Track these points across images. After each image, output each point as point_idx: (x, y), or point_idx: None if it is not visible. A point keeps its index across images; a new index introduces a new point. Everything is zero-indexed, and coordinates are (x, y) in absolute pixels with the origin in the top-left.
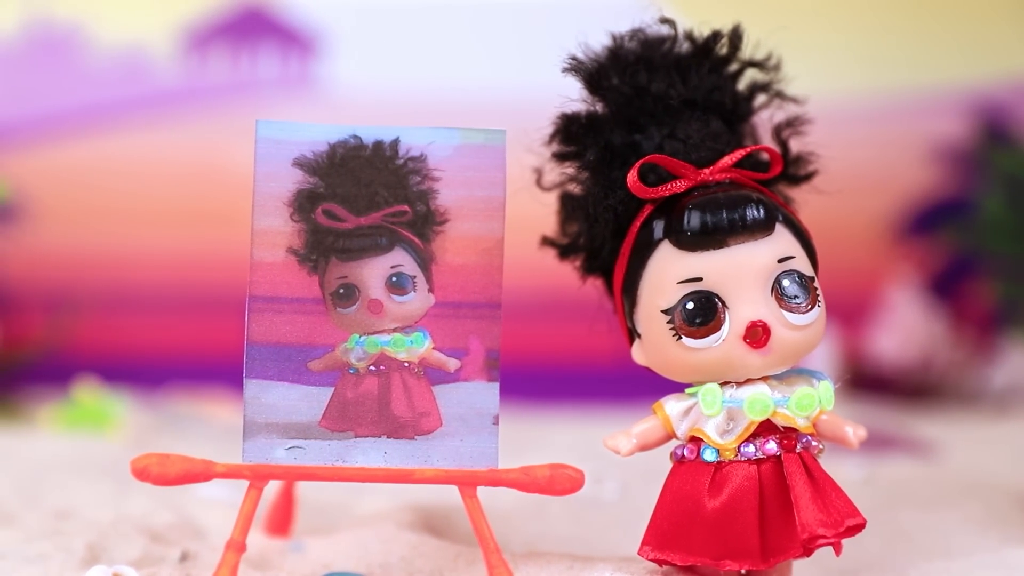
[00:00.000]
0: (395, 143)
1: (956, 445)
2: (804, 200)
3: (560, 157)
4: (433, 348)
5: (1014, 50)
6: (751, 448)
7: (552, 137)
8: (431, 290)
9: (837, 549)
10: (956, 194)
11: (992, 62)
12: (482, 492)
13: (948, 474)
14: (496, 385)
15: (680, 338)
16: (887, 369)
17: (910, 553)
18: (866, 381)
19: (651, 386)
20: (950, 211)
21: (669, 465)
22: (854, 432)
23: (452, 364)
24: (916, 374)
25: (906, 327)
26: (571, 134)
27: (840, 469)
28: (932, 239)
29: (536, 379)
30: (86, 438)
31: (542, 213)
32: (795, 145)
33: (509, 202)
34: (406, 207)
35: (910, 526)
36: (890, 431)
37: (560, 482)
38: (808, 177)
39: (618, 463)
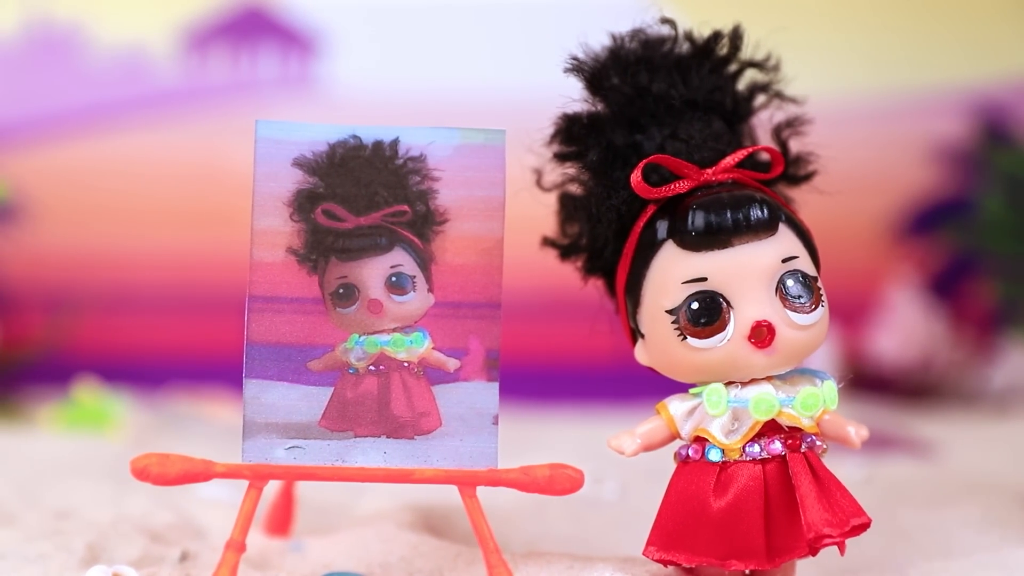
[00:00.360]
0: (395, 143)
1: (956, 445)
2: (804, 200)
3: (561, 157)
4: (433, 348)
5: (1014, 50)
6: (756, 448)
7: (553, 137)
8: (431, 290)
9: (842, 548)
10: (956, 194)
11: (992, 62)
12: (482, 492)
13: (948, 474)
14: (496, 385)
15: (685, 338)
16: (887, 369)
17: (910, 553)
18: (866, 381)
19: (652, 386)
20: (950, 211)
21: (669, 465)
22: (856, 432)
23: (452, 364)
24: (916, 374)
25: (906, 327)
26: (572, 134)
27: (840, 469)
28: (932, 239)
29: (536, 379)
30: (86, 438)
31: (543, 213)
32: (795, 145)
33: (510, 202)
34: (406, 207)
35: (910, 526)
36: (890, 431)
37: (560, 482)
38: (808, 177)
39: (618, 463)
